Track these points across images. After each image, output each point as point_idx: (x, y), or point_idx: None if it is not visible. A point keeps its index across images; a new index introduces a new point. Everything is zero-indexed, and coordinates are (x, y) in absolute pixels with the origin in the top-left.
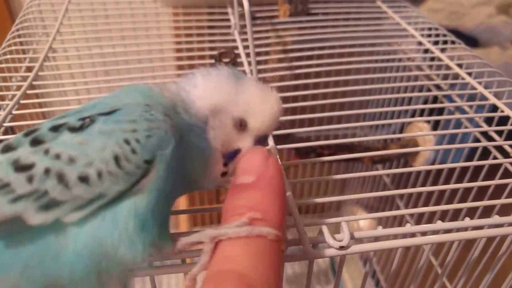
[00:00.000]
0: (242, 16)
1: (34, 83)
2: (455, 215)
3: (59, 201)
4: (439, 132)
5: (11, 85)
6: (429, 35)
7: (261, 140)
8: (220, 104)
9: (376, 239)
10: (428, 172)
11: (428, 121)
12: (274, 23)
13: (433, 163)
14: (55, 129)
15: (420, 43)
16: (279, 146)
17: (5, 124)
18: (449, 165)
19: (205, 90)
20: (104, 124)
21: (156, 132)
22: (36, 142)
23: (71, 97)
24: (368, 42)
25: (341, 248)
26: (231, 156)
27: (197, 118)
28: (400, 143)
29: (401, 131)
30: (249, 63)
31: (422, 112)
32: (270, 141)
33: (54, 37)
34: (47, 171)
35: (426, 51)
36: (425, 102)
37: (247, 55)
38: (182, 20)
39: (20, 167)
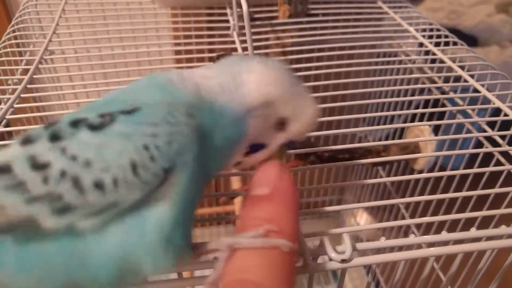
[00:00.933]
0: (241, 17)
1: (29, 86)
2: (457, 222)
3: (73, 206)
4: (441, 137)
5: (6, 88)
6: (431, 36)
7: (290, 143)
8: (274, 98)
9: (379, 250)
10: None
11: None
12: (274, 24)
13: (434, 166)
14: (74, 124)
15: (421, 44)
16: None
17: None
18: (451, 172)
19: (264, 77)
20: (124, 125)
21: (178, 138)
22: (54, 138)
23: (69, 101)
24: (369, 43)
25: (343, 261)
26: (256, 148)
27: (239, 102)
28: (401, 145)
29: (401, 133)
30: None
31: (423, 115)
32: None
33: (50, 38)
34: (63, 173)
35: (428, 52)
36: (426, 104)
37: None
38: (181, 21)
39: (37, 165)
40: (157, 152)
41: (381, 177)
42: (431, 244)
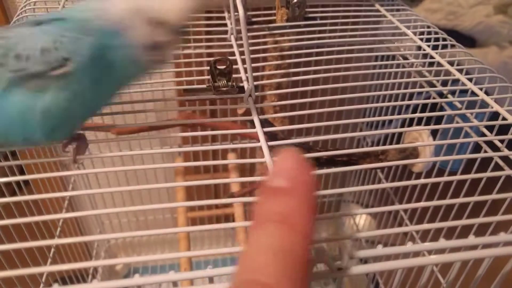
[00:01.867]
0: (238, 21)
1: None
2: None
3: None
4: (440, 142)
5: None
6: (429, 39)
7: (178, 32)
8: (131, 8)
9: (377, 258)
10: (428, 176)
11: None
12: (271, 28)
13: (432, 168)
14: (36, 23)
15: (419, 48)
16: (270, 143)
17: None
18: (450, 178)
19: None
20: (50, 26)
21: (77, 42)
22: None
23: None
24: (367, 47)
25: (339, 270)
26: (154, 47)
27: (113, 22)
28: (399, 148)
29: (400, 136)
30: (245, 70)
31: (421, 118)
32: (258, 127)
33: None
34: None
35: (426, 55)
36: (424, 107)
37: (244, 61)
38: None
39: None
40: (60, 45)
41: (379, 178)
42: (430, 252)
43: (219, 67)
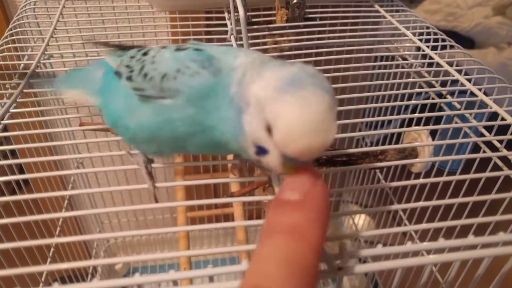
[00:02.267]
0: (238, 21)
1: (26, 90)
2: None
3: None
4: (439, 142)
5: (4, 92)
6: (428, 40)
7: (292, 160)
8: (261, 97)
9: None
10: (427, 176)
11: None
12: (271, 28)
13: (432, 168)
14: (179, 48)
15: (419, 48)
16: None
17: None
18: (449, 178)
19: (260, 82)
20: (184, 54)
21: (195, 75)
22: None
23: (68, 106)
24: (366, 47)
25: (340, 269)
26: (261, 151)
27: (242, 95)
28: (398, 148)
29: (399, 136)
30: None
31: (420, 118)
32: None
33: (47, 42)
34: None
35: (425, 56)
36: (424, 108)
37: None
38: (179, 25)
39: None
40: (181, 76)
41: (378, 178)
42: (429, 252)
43: None
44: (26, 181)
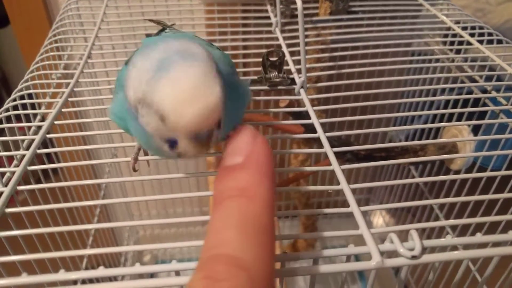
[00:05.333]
0: (282, 14)
1: (70, 99)
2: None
3: None
4: (481, 137)
5: (45, 101)
6: (472, 34)
7: (200, 137)
8: (138, 96)
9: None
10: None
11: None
12: (314, 21)
13: (472, 166)
14: None
15: (461, 43)
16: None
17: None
18: (489, 173)
19: (132, 76)
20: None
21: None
22: None
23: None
24: (408, 41)
25: (414, 257)
26: (172, 143)
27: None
28: (438, 144)
29: (436, 132)
30: (294, 62)
31: (461, 114)
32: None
33: (92, 44)
34: None
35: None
36: (465, 103)
37: (291, 53)
38: (217, 18)
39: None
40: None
41: (413, 177)
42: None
43: (270, 59)
44: (55, 171)
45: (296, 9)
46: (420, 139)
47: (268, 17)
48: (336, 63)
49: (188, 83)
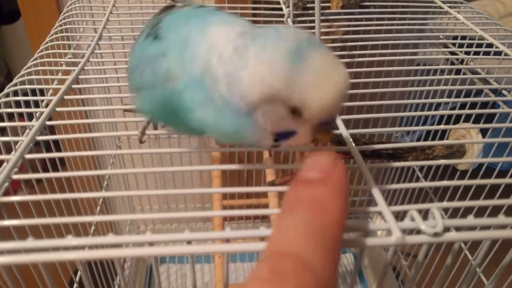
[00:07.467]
0: (294, 5)
1: (74, 86)
2: None
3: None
4: (490, 140)
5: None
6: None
7: (323, 125)
8: (272, 93)
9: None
10: (474, 175)
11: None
12: (326, 14)
13: (480, 166)
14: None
15: (492, 45)
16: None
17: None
18: (497, 181)
19: (256, 72)
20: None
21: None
22: None
23: (113, 95)
24: (412, 42)
25: (436, 234)
26: (284, 135)
27: (239, 98)
28: (445, 144)
29: (443, 133)
30: None
31: (468, 115)
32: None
33: (100, 34)
34: None
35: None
36: (474, 104)
37: None
38: (227, 8)
39: None
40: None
41: (417, 176)
42: None
43: None
44: (62, 162)
45: (307, 1)
46: (426, 139)
47: (279, 9)
48: (344, 60)
49: (328, 70)
